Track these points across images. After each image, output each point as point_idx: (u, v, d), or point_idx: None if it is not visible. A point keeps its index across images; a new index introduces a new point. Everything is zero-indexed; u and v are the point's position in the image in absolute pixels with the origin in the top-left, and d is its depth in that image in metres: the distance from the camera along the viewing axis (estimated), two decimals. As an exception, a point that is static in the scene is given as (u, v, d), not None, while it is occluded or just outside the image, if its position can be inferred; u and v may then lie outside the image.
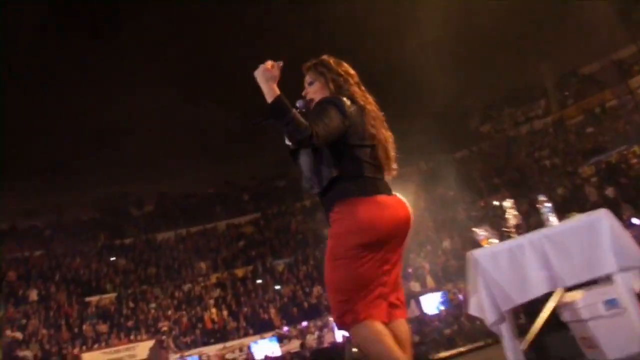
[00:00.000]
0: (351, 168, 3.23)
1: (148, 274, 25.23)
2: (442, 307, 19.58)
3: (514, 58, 26.94)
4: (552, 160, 25.95)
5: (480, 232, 4.46)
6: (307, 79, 3.48)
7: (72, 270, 25.42)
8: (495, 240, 4.51)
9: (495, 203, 25.50)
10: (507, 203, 4.50)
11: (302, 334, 20.70)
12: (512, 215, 4.45)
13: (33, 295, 23.31)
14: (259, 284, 24.20)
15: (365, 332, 3.12)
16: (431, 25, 23.48)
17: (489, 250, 4.27)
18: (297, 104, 3.41)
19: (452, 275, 21.61)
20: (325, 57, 3.49)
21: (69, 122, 27.50)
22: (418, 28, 23.56)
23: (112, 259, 26.40)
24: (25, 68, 26.01)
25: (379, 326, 3.13)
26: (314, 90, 3.43)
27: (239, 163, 30.87)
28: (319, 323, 20.68)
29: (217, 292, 23.85)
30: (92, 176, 30.02)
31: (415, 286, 21.60)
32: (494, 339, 10.26)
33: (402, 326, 3.24)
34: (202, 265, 25.44)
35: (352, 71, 3.48)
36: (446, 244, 23.53)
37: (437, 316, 18.62)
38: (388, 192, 3.32)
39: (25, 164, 27.77)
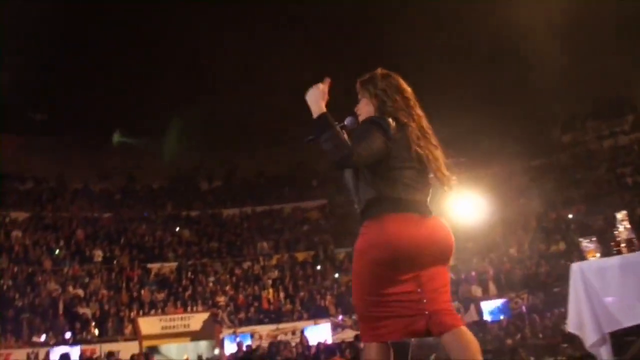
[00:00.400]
0: (389, 190, 3.22)
1: (210, 247, 25.42)
2: (502, 316, 18.98)
3: (607, 68, 25.73)
4: (635, 178, 24.82)
5: (587, 243, 4.04)
6: (359, 95, 3.48)
7: (137, 235, 25.86)
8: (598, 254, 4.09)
9: (570, 216, 24.68)
10: (620, 215, 4.04)
11: (356, 324, 20.41)
12: (624, 228, 3.99)
13: (98, 255, 23.82)
14: (319, 270, 24.07)
15: (369, 355, 3.22)
16: (522, 26, 22.70)
17: (596, 264, 3.87)
18: (345, 121, 3.42)
19: (515, 284, 20.96)
20: (377, 71, 3.47)
21: (154, 86, 27.55)
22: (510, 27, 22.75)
23: (177, 229, 26.72)
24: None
25: (375, 353, 3.20)
26: (361, 107, 3.44)
27: (312, 148, 30.67)
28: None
29: (275, 274, 23.83)
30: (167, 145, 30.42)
31: (477, 291, 21.06)
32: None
33: (464, 336, 3.16)
34: (264, 245, 25.45)
35: (401, 85, 3.41)
36: (513, 251, 22.83)
37: (496, 323, 18.04)
38: (426, 213, 3.28)
39: (105, 126, 28.30)
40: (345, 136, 3.21)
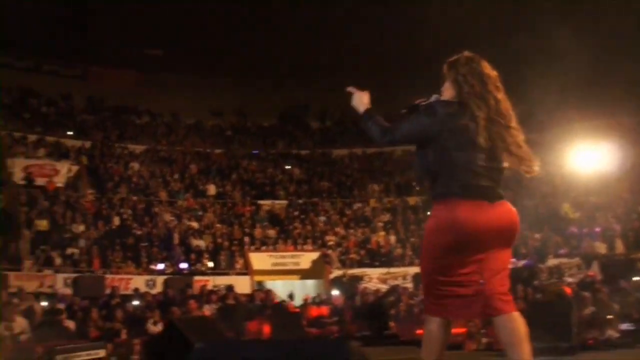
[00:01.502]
0: (450, 172, 3.33)
1: (320, 187, 25.25)
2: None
3: None
4: None
5: None
6: (445, 76, 3.58)
7: (248, 172, 26.03)
8: None
9: None
10: None
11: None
12: None
13: (211, 189, 24.17)
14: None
15: (427, 326, 3.45)
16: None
17: None
18: (432, 99, 3.54)
19: (645, 242, 19.58)
20: (462, 55, 3.56)
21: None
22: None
23: (287, 167, 26.69)
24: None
25: (436, 326, 3.42)
26: (444, 89, 3.56)
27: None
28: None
29: (386, 217, 23.40)
30: (278, 82, 30.27)
31: (600, 247, 19.82)
32: None
33: (512, 322, 3.29)
34: (375, 187, 25.02)
35: (486, 70, 3.49)
36: (642, 207, 21.31)
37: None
38: (495, 199, 3.34)
39: (219, 62, 28.32)
40: None
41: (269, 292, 14.15)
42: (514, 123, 3.50)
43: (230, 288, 15.04)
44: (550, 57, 26.55)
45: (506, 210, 3.38)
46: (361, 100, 3.67)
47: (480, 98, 3.40)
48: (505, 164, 3.45)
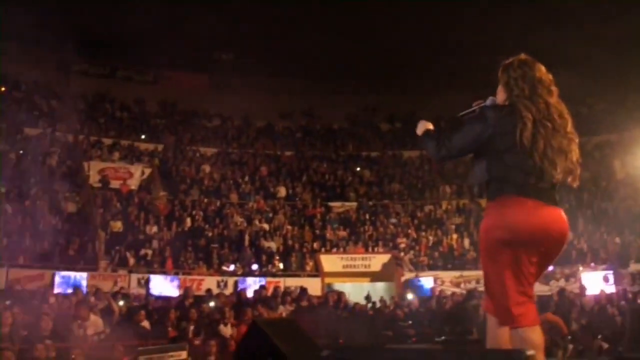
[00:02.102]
0: (503, 173, 3.34)
1: (391, 189, 24.89)
2: None
3: None
4: None
5: None
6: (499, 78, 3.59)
7: (318, 174, 25.91)
8: None
9: None
10: None
11: (546, 278, 19.12)
12: None
13: (281, 191, 24.15)
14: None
15: (530, 339, 3.24)
16: None
17: None
18: (487, 102, 3.56)
19: None
20: (517, 58, 3.55)
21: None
22: None
23: (357, 169, 26.44)
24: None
25: (539, 332, 3.29)
26: (498, 90, 3.56)
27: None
28: (567, 271, 18.94)
29: (459, 219, 22.83)
30: (347, 85, 30.12)
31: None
32: None
33: (537, 332, 3.30)
34: (447, 189, 24.47)
35: (539, 74, 3.46)
36: None
37: None
38: (547, 201, 3.32)
39: (289, 65, 28.37)
40: None
41: (341, 294, 13.92)
42: (568, 128, 3.44)
43: (303, 290, 14.88)
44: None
45: (559, 215, 3.36)
46: (425, 125, 3.72)
47: (529, 100, 3.38)
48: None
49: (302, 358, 4.63)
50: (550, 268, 19.28)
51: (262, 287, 14.83)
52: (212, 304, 10.83)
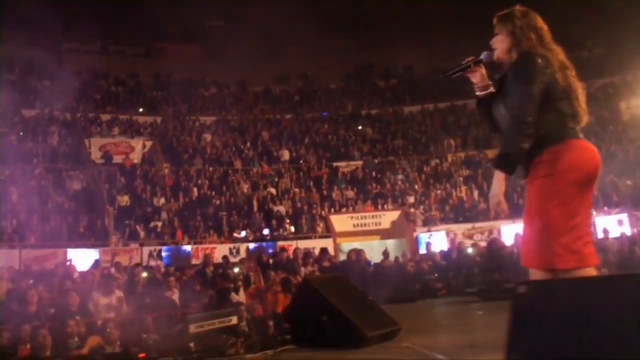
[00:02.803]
0: (559, 120, 3.35)
1: (395, 145, 24.74)
2: None
3: None
4: None
5: None
6: (495, 29, 3.53)
7: (320, 135, 25.71)
8: None
9: None
10: None
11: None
12: None
13: (285, 155, 23.98)
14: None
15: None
16: None
17: None
18: (482, 56, 3.51)
19: None
20: (515, 8, 3.52)
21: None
22: None
23: (359, 127, 26.25)
24: None
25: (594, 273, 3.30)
26: (496, 41, 3.50)
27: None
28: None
29: (466, 171, 22.73)
30: (341, 45, 29.78)
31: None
32: None
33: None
34: (451, 142, 24.32)
35: (540, 24, 3.50)
36: None
37: None
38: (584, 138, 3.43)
39: (280, 29, 27.97)
40: (483, 70, 3.56)
41: (361, 252, 13.86)
42: (574, 72, 3.50)
43: (324, 250, 14.82)
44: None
45: (595, 148, 3.44)
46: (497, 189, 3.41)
47: (542, 47, 3.42)
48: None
49: (358, 314, 4.53)
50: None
51: (282, 249, 14.73)
52: (236, 269, 10.74)
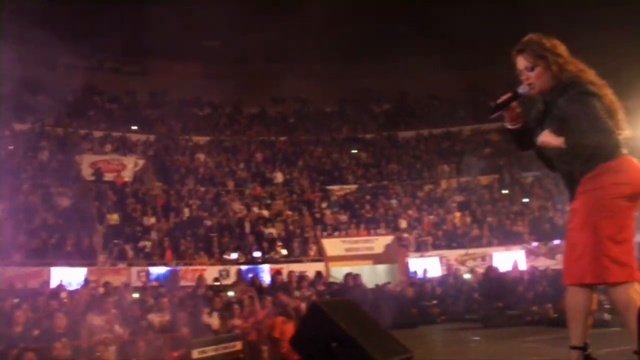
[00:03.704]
0: (609, 138, 3.33)
1: (389, 170, 24.62)
2: None
3: None
4: None
5: None
6: (523, 62, 3.49)
7: (314, 158, 25.57)
8: None
9: None
10: None
11: (552, 252, 19.00)
12: None
13: (278, 177, 23.80)
14: (505, 194, 22.55)
15: (627, 295, 3.23)
16: None
17: None
18: (520, 90, 3.50)
19: None
20: (535, 36, 3.51)
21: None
22: None
23: (354, 151, 26.13)
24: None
25: (586, 296, 3.33)
26: (537, 75, 3.46)
27: (487, 67, 28.59)
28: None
29: (460, 197, 22.62)
30: (337, 70, 29.78)
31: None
32: None
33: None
34: (445, 167, 24.23)
35: (563, 47, 3.49)
36: None
37: None
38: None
39: (278, 51, 27.97)
40: (518, 106, 3.55)
41: (357, 276, 13.62)
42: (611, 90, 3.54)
43: (319, 274, 14.58)
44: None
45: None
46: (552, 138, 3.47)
47: (580, 70, 3.44)
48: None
49: (370, 340, 4.32)
50: (556, 242, 19.24)
51: (277, 273, 14.46)
52: (230, 293, 10.45)
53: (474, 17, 23.66)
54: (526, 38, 3.55)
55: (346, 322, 4.37)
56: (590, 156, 3.37)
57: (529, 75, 3.49)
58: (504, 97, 3.52)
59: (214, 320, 9.09)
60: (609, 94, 3.44)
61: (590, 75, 3.46)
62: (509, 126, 3.63)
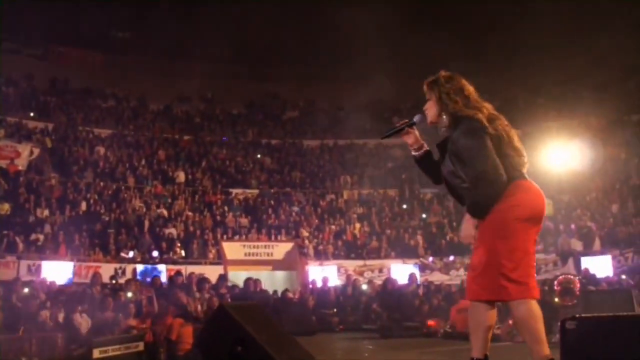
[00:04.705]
0: (509, 166, 3.61)
1: (292, 177, 24.79)
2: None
3: None
4: None
5: None
6: (426, 95, 3.82)
7: (218, 159, 25.39)
8: None
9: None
10: None
11: (447, 267, 19.76)
12: None
13: (181, 176, 23.46)
14: (405, 209, 23.22)
15: (531, 309, 3.48)
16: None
17: None
18: (415, 119, 3.87)
19: (619, 241, 19.61)
20: (441, 74, 3.81)
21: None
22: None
23: (258, 156, 26.14)
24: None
25: (537, 307, 3.51)
26: (429, 106, 3.80)
27: (397, 82, 29.29)
28: (467, 261, 19.57)
29: (361, 209, 23.09)
30: (247, 72, 29.76)
31: (576, 244, 19.81)
32: None
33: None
34: (348, 179, 24.67)
35: (465, 86, 3.75)
36: (615, 207, 21.37)
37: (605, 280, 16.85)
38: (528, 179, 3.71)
39: (188, 48, 27.66)
40: (416, 132, 3.90)
41: (257, 282, 13.67)
42: (505, 121, 3.79)
43: (223, 277, 14.51)
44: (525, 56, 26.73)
45: (540, 189, 3.72)
46: (471, 228, 3.67)
47: (468, 107, 3.68)
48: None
49: (275, 345, 4.40)
50: (451, 258, 20.00)
51: (178, 273, 14.26)
52: (129, 294, 10.22)
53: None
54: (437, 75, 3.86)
55: (252, 326, 4.44)
56: (478, 184, 3.58)
57: (426, 105, 3.84)
58: (401, 122, 3.91)
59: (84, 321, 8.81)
60: (503, 124, 3.68)
61: (485, 110, 3.70)
62: (413, 153, 3.96)
